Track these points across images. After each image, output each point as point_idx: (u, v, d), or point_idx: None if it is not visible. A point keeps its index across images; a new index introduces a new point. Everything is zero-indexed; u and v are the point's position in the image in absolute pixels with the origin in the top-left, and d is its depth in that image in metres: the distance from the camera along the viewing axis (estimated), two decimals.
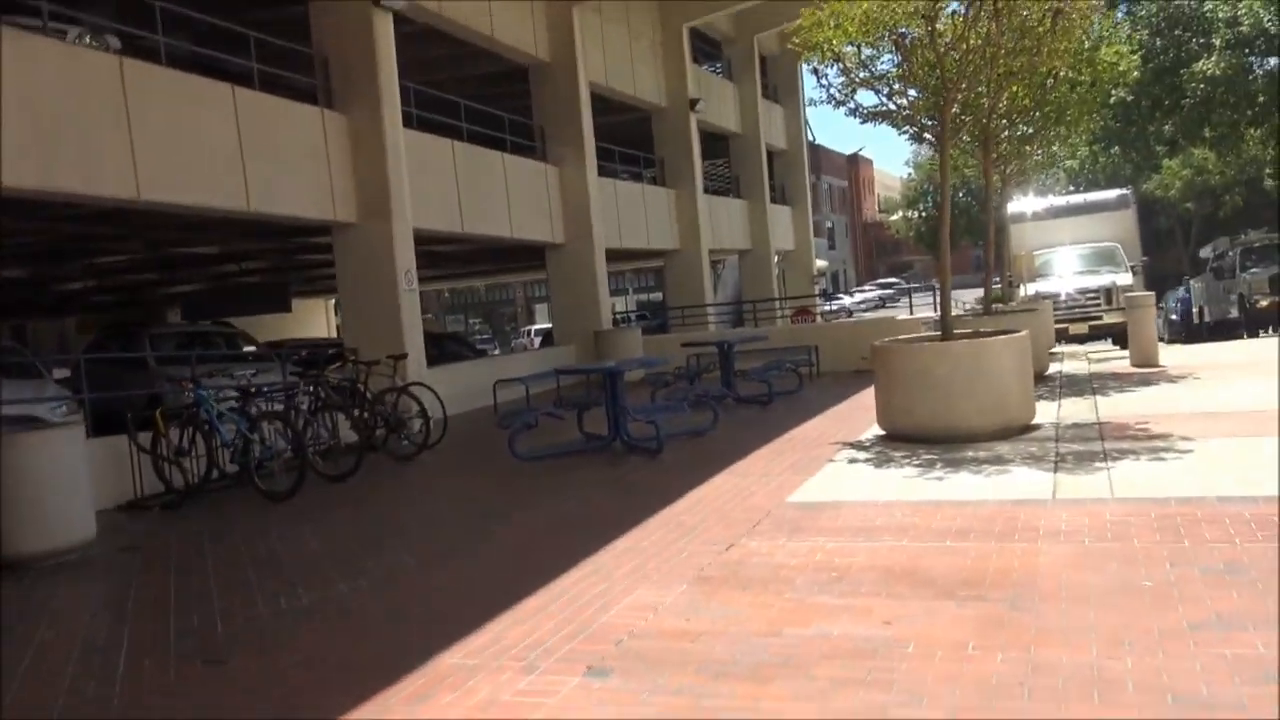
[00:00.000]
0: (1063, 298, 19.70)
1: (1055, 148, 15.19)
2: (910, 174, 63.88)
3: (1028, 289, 20.23)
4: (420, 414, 11.39)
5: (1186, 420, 8.86)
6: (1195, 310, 28.63)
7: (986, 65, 9.28)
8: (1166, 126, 26.27)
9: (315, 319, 34.90)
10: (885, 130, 14.69)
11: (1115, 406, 10.14)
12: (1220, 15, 23.59)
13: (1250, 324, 22.56)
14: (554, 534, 6.98)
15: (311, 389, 11.31)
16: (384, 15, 14.27)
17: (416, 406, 11.41)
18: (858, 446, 9.03)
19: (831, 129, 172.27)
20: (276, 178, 12.83)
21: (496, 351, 41.12)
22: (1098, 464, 7.34)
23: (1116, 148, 29.07)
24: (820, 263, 40.39)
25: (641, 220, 23.19)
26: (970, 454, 8.15)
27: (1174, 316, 27.87)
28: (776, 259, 32.64)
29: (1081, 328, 19.64)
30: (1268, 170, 31.93)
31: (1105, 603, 4.37)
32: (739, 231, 29.64)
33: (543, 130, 19.72)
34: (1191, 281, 30.27)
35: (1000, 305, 17.58)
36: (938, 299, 10.17)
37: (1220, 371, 12.23)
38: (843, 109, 10.18)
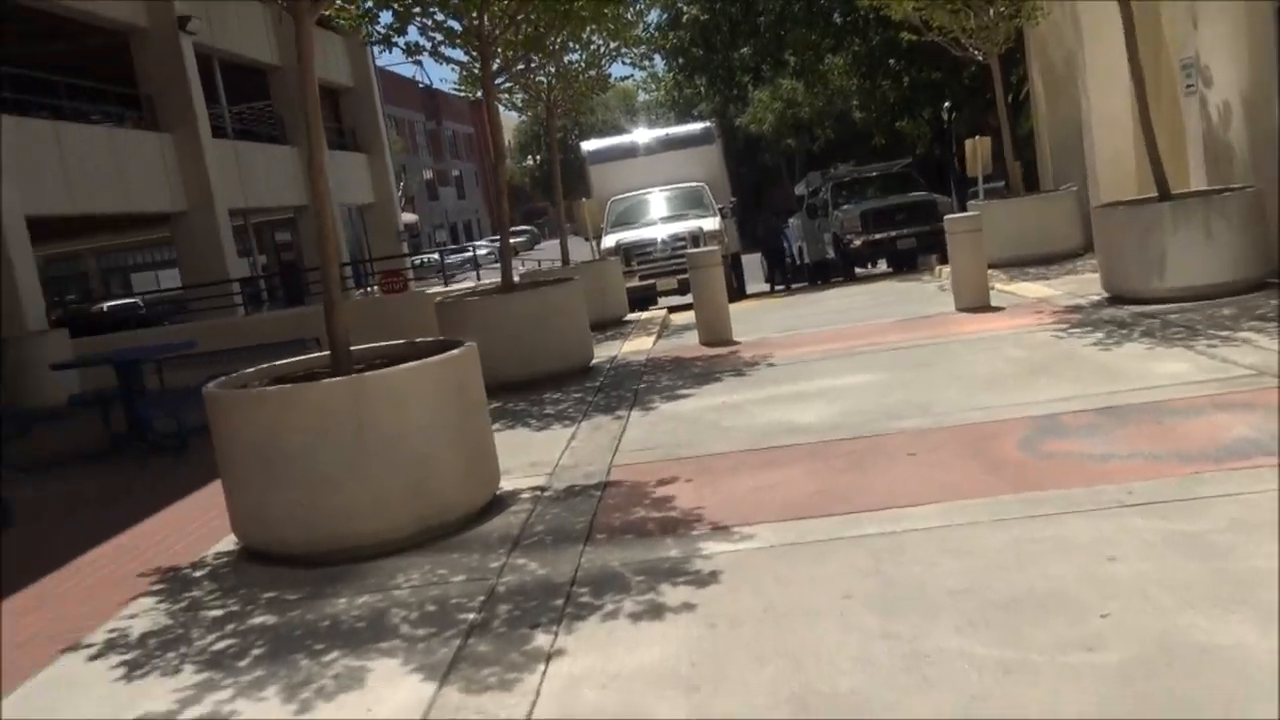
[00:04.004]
0: (659, 247, 16.87)
1: (607, 64, 11.70)
2: (522, 118, 60.29)
3: (604, 242, 17.10)
4: None
5: (733, 471, 5.50)
6: (795, 250, 27.16)
7: None
8: (745, 50, 23.80)
9: None
10: None
11: (648, 435, 6.65)
12: None
13: (846, 264, 20.91)
14: None
15: None
16: None
17: None
18: (181, 582, 4.85)
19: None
20: None
21: None
22: (539, 635, 3.65)
23: (703, 78, 26.58)
24: (408, 216, 35.54)
25: (111, 173, 17.37)
26: (343, 602, 4.25)
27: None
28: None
29: (671, 283, 16.88)
30: (855, 103, 31.19)
31: None
32: (288, 185, 24.31)
33: None
34: (791, 220, 28.88)
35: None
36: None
37: (798, 352, 9.22)
38: None
